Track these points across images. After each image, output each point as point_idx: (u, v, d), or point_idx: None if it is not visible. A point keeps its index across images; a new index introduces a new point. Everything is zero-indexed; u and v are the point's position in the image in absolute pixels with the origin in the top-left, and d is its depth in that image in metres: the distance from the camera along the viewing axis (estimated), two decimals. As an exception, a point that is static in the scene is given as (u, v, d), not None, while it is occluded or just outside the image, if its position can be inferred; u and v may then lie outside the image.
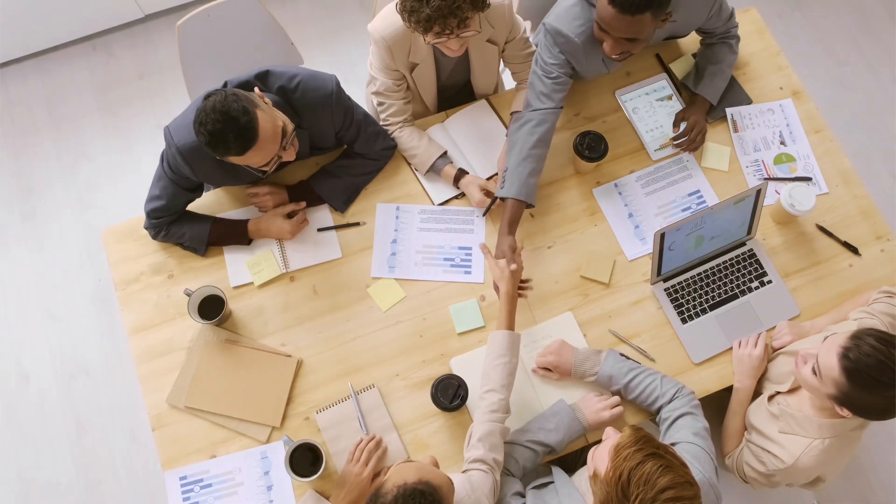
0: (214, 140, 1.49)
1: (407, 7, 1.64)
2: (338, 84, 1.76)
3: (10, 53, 2.99)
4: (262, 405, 1.80)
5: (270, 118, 1.56)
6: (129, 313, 1.89)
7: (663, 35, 2.00)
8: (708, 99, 2.01)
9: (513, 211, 1.82)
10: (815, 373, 1.45)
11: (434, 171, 1.97)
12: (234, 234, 1.90)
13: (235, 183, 1.90)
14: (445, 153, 1.98)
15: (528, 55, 1.99)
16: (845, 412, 1.44)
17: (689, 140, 1.99)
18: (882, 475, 2.48)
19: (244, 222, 1.91)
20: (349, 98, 1.83)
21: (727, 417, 1.78)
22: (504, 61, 2.04)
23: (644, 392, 1.69)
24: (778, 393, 1.67)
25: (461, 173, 1.94)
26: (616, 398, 1.73)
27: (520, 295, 1.76)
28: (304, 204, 1.93)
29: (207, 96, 1.51)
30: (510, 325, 1.68)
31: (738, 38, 2.04)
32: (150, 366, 1.85)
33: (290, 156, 1.65)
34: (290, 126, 1.63)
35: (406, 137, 1.97)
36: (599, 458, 1.29)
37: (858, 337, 1.40)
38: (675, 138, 2.01)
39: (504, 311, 1.68)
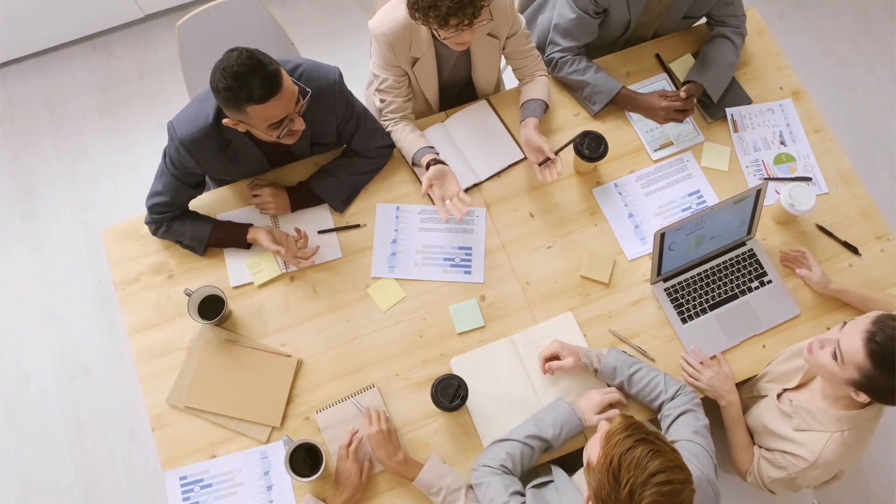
0: (238, 83, 1.47)
1: (423, 4, 1.63)
2: (341, 75, 1.76)
3: (10, 53, 2.99)
4: (262, 405, 1.80)
5: (289, 80, 1.57)
6: (129, 313, 1.89)
7: (682, 11, 2.04)
8: (710, 92, 2.02)
9: (630, 98, 2.03)
10: (835, 357, 1.44)
11: (416, 163, 1.94)
12: (233, 239, 1.90)
13: (238, 172, 1.88)
14: (432, 147, 1.95)
15: (529, 50, 2.01)
16: (862, 397, 1.44)
17: (680, 107, 1.96)
18: (882, 475, 2.48)
19: (245, 229, 1.89)
20: (350, 91, 1.83)
21: (729, 435, 1.76)
22: (506, 57, 2.04)
23: (647, 387, 1.69)
24: (785, 390, 1.67)
25: (434, 161, 1.88)
26: (616, 391, 1.73)
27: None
28: (304, 236, 1.88)
29: (232, 50, 1.50)
30: (415, 470, 1.64)
31: (743, 39, 2.07)
32: (150, 366, 1.85)
33: (300, 124, 1.63)
34: (301, 100, 1.62)
35: (398, 131, 1.97)
36: (592, 448, 1.30)
37: (882, 321, 1.39)
38: (676, 98, 1.99)
39: (402, 470, 1.65)
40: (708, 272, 1.91)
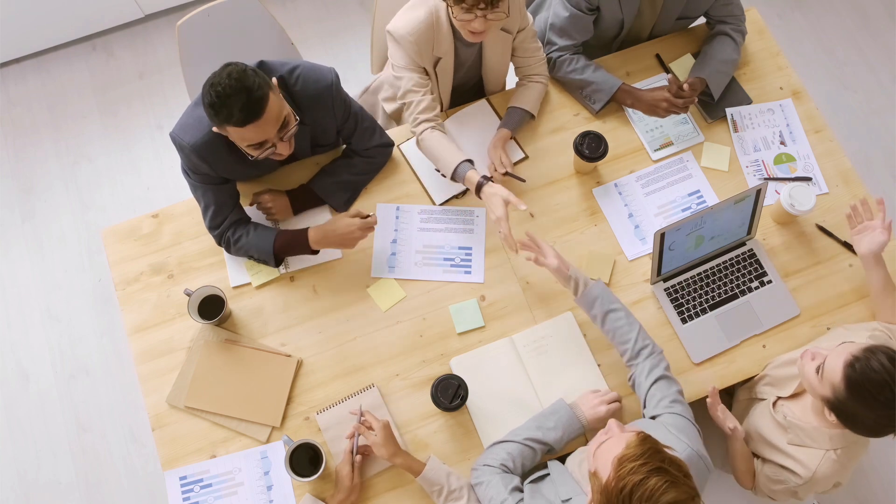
0: (220, 102, 1.47)
1: None
2: (337, 76, 1.76)
3: (10, 53, 2.99)
4: (262, 405, 1.80)
5: (279, 103, 1.56)
6: (129, 313, 1.89)
7: (677, 12, 2.04)
8: (711, 88, 2.02)
9: (630, 93, 2.04)
10: (817, 372, 1.45)
11: (457, 177, 1.85)
12: (296, 243, 1.84)
13: (248, 173, 1.87)
14: (470, 161, 1.86)
15: (534, 49, 2.01)
16: (832, 417, 1.45)
17: (682, 102, 1.97)
18: (882, 475, 2.48)
19: (304, 230, 1.83)
20: (346, 92, 1.83)
21: (733, 461, 1.74)
22: (512, 53, 2.04)
23: (619, 332, 1.67)
24: (779, 398, 1.67)
25: (484, 180, 1.81)
26: (614, 393, 1.73)
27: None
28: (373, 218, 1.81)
29: (227, 66, 1.50)
30: (418, 469, 1.64)
31: (743, 37, 2.08)
32: (150, 366, 1.85)
33: (284, 149, 1.63)
34: (293, 121, 1.62)
35: (435, 140, 1.88)
36: (601, 461, 1.28)
37: (871, 351, 1.39)
38: (679, 90, 1.98)
39: (404, 469, 1.65)
40: (708, 272, 1.91)
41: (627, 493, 1.21)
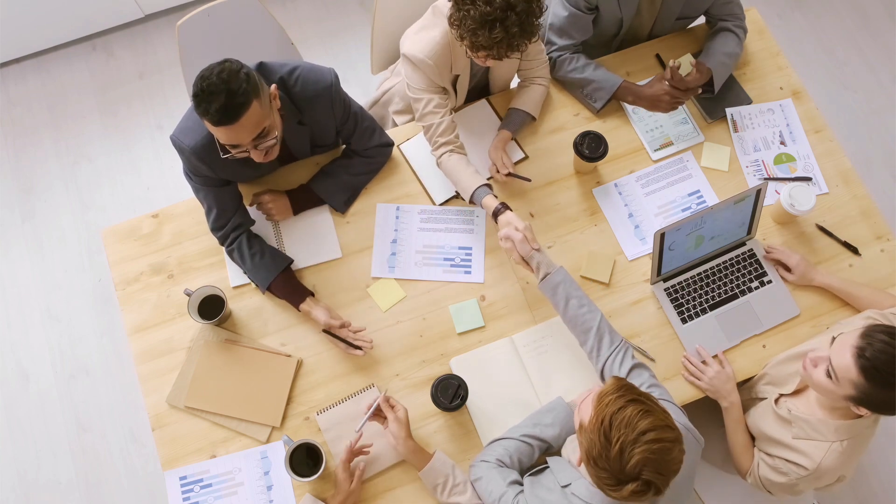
0: (202, 96, 1.47)
1: (466, 26, 1.62)
2: (336, 77, 1.75)
3: (10, 53, 2.99)
4: (262, 405, 1.80)
5: (262, 114, 1.54)
6: (129, 313, 1.89)
7: (676, 11, 2.05)
8: (714, 80, 2.01)
9: (631, 90, 2.04)
10: (829, 376, 1.44)
11: (475, 200, 1.85)
12: (291, 295, 1.85)
13: (248, 174, 1.87)
14: (490, 185, 1.86)
15: (538, 52, 2.01)
16: (863, 411, 1.44)
17: (684, 88, 1.96)
18: (882, 475, 2.48)
19: (302, 297, 1.84)
20: (345, 92, 1.83)
21: (730, 436, 1.76)
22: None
23: (583, 318, 1.65)
24: (781, 395, 1.67)
25: (503, 208, 1.80)
26: None
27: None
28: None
29: (225, 61, 1.50)
30: (424, 459, 1.65)
31: (745, 33, 2.08)
32: (150, 366, 1.85)
33: (257, 157, 1.61)
34: (275, 134, 1.61)
35: (454, 163, 1.87)
36: (584, 410, 1.33)
37: (869, 335, 1.39)
38: (681, 78, 1.97)
39: (410, 457, 1.67)
40: (708, 272, 1.91)
41: (607, 425, 1.26)
